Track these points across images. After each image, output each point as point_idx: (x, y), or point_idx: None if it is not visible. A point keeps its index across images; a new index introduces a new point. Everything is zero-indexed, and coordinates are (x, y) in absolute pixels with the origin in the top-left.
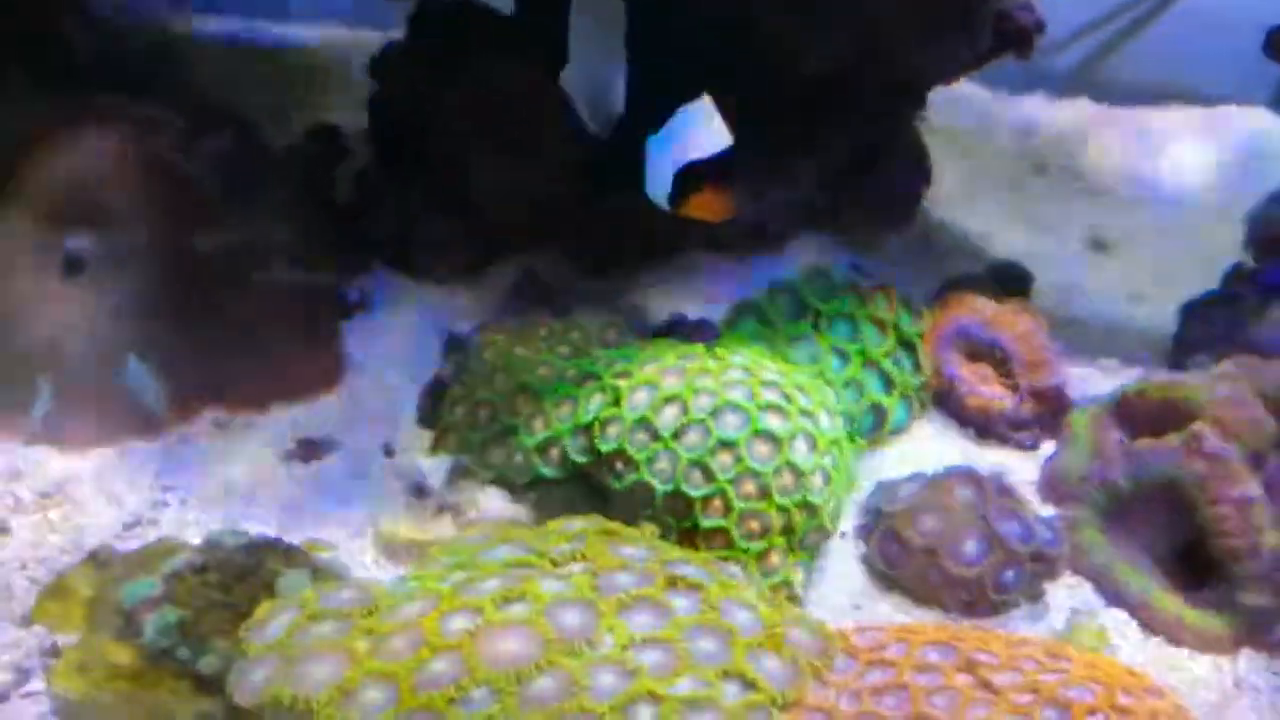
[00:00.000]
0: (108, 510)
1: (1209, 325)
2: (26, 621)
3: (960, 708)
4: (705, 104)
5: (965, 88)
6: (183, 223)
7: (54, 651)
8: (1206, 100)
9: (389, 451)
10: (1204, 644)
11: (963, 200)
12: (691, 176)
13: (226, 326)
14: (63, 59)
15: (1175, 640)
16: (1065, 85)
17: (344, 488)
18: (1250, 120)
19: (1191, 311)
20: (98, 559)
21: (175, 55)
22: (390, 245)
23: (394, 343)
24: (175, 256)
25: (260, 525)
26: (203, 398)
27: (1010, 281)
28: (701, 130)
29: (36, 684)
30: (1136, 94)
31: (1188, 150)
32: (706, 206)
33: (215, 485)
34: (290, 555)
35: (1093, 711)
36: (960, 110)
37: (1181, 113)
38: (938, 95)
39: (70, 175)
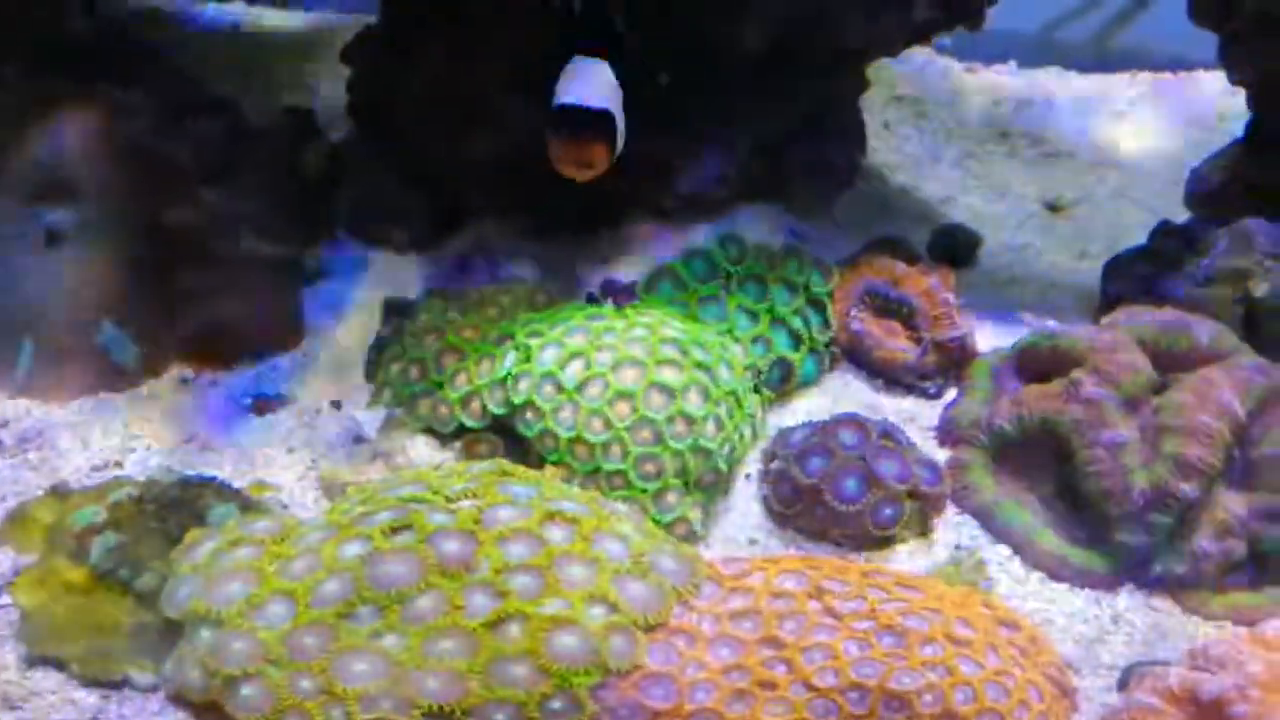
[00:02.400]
0: (81, 454)
1: (1129, 280)
2: None
3: (806, 632)
4: (594, 62)
5: (934, 58)
6: (154, 198)
7: (18, 570)
8: (1177, 66)
9: (337, 405)
10: (1085, 580)
11: (925, 165)
12: (559, 124)
13: (194, 293)
14: (57, 45)
15: (1056, 576)
16: (1039, 54)
17: (294, 437)
18: (1216, 84)
19: (1115, 267)
20: (57, 492)
21: (169, 40)
22: (353, 216)
23: (350, 307)
24: (147, 229)
25: (216, 469)
26: (171, 357)
27: (956, 242)
28: (580, 83)
29: (6, 598)
30: (1110, 60)
31: (1153, 115)
32: (565, 155)
33: (178, 434)
34: (221, 492)
35: (928, 640)
36: (928, 80)
37: (1146, 80)
38: (908, 65)
39: (48, 155)
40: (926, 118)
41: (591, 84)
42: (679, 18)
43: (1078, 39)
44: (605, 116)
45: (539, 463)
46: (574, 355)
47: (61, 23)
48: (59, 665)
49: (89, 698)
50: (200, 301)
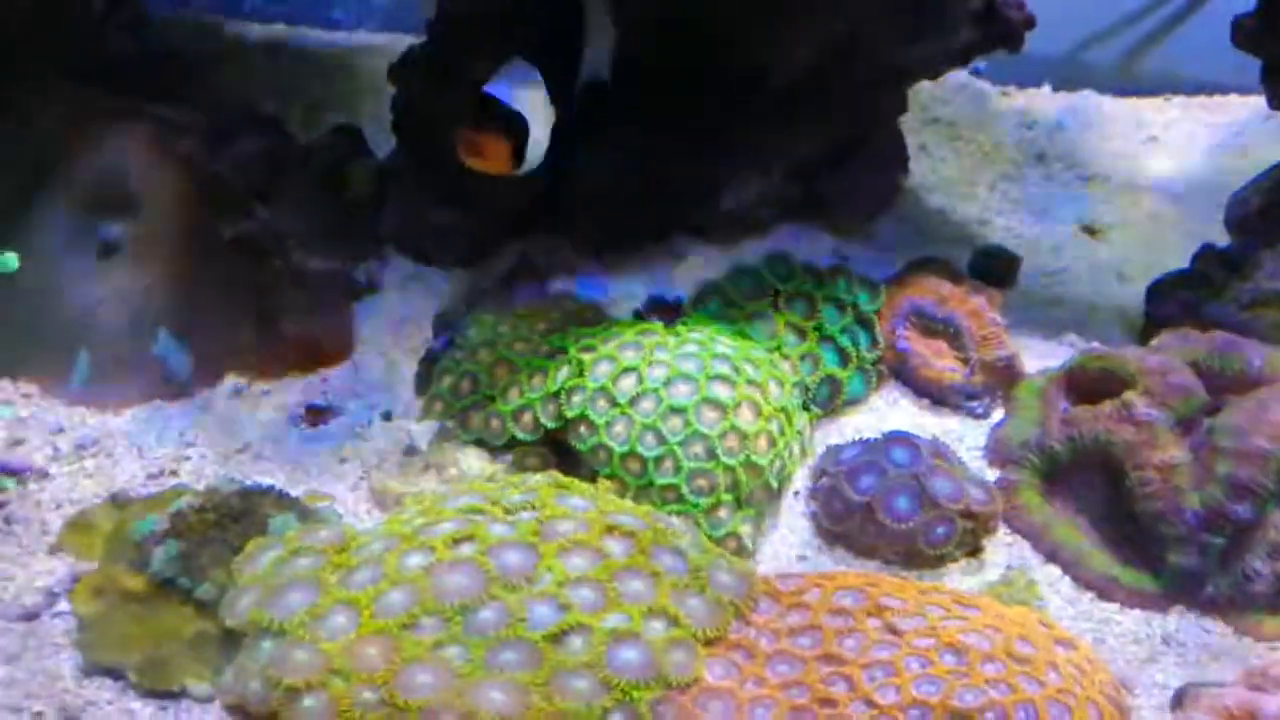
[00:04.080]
0: (135, 462)
1: (1173, 303)
2: (57, 552)
3: (866, 649)
4: (531, 70)
5: (969, 81)
6: (207, 212)
7: (77, 578)
8: (1210, 90)
9: (388, 416)
10: (1136, 601)
11: (962, 188)
12: (472, 110)
13: (247, 305)
14: (101, 60)
15: (1107, 596)
16: (1072, 77)
17: (345, 448)
18: (1250, 109)
19: (1159, 290)
20: (116, 500)
21: (212, 59)
22: (400, 233)
23: (399, 322)
24: (200, 242)
25: (268, 479)
26: (224, 367)
27: (996, 263)
28: (509, 81)
29: (64, 605)
30: (1143, 84)
31: (1187, 139)
32: (465, 142)
33: (231, 443)
34: (281, 501)
35: (989, 658)
36: (964, 102)
37: (1182, 103)
38: (943, 88)
39: (103, 169)
40: (963, 140)
41: (519, 86)
42: (720, 38)
43: (1106, 62)
44: (516, 117)
45: (590, 476)
46: (627, 370)
47: (105, 40)
48: (116, 675)
49: (146, 708)
50: (253, 314)
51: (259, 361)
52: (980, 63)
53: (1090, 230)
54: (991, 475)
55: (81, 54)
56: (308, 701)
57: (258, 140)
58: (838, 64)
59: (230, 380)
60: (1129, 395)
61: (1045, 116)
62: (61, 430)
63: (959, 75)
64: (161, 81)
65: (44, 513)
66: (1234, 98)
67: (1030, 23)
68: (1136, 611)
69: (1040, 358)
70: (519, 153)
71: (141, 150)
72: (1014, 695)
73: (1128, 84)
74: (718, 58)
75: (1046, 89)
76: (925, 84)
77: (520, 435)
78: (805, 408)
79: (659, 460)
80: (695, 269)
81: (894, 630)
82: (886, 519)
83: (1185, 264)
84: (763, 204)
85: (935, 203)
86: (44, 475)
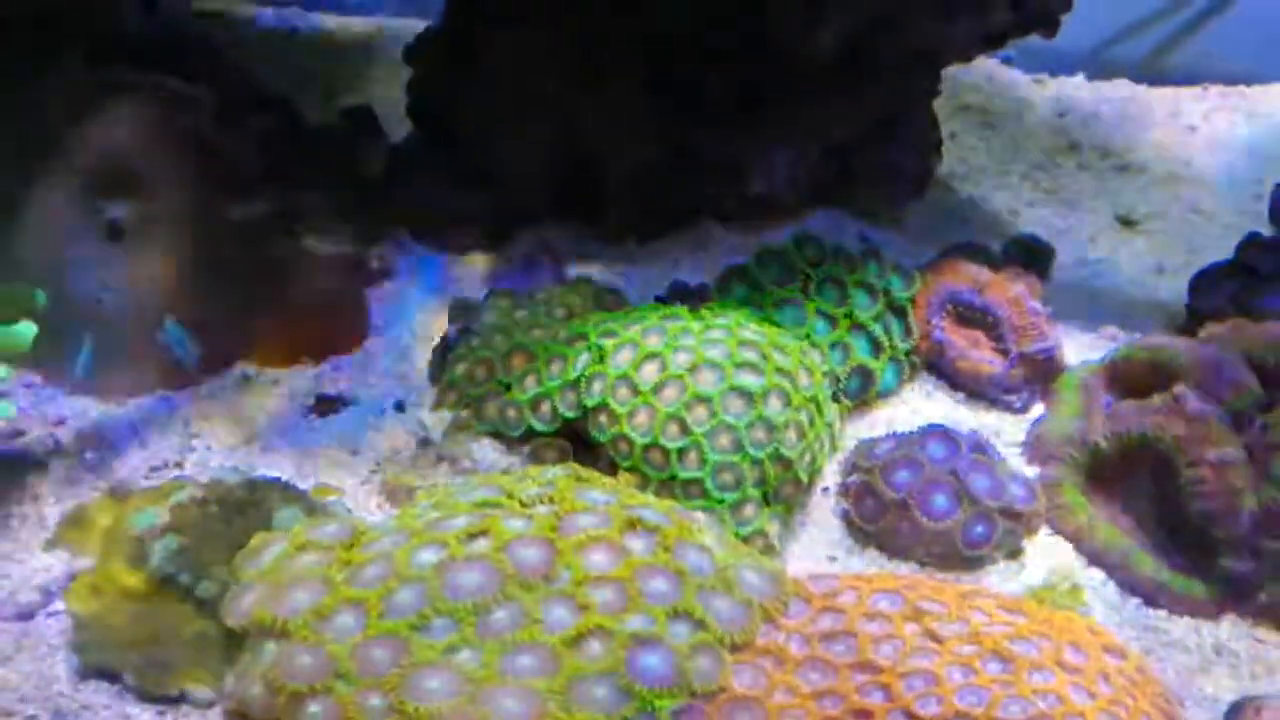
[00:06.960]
0: (138, 453)
1: (1219, 295)
2: (54, 547)
3: (904, 656)
4: None
5: (1001, 69)
6: (217, 192)
7: (73, 575)
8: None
9: (400, 407)
10: (1184, 607)
11: (993, 176)
12: None
13: (257, 290)
14: (115, 38)
15: (1154, 602)
16: (1106, 67)
17: (356, 439)
18: None
19: (1202, 281)
20: (116, 493)
21: (227, 42)
22: (416, 217)
23: (414, 308)
24: (210, 224)
25: (276, 471)
26: (232, 354)
27: (1030, 254)
28: None
29: (59, 604)
30: (1178, 75)
31: (1227, 129)
32: None
33: (239, 434)
34: (287, 493)
35: (1037, 666)
36: (996, 90)
37: (1218, 93)
38: (973, 75)
39: (109, 146)
40: (993, 128)
41: None
42: (750, 18)
43: (1132, 57)
44: None
45: (610, 469)
46: (650, 356)
47: (120, 20)
48: (113, 677)
49: (144, 714)
50: (263, 299)
51: (268, 349)
52: (1011, 51)
53: (1127, 221)
54: (1031, 473)
55: (98, 34)
56: (312, 708)
57: (268, 120)
58: (870, 42)
59: (238, 369)
60: (1180, 388)
61: (1079, 105)
62: (63, 421)
63: (989, 63)
64: (175, 62)
65: (42, 507)
66: (1275, 87)
67: (1068, 5)
68: (1186, 619)
69: (1079, 351)
70: None
71: (149, 126)
72: (1063, 707)
73: (1161, 75)
74: (744, 36)
75: (1080, 78)
76: (954, 71)
77: (537, 426)
78: (835, 399)
79: (683, 452)
80: (718, 254)
81: (934, 636)
82: (922, 517)
83: (1227, 257)
84: (790, 188)
85: (965, 191)
86: (42, 467)
